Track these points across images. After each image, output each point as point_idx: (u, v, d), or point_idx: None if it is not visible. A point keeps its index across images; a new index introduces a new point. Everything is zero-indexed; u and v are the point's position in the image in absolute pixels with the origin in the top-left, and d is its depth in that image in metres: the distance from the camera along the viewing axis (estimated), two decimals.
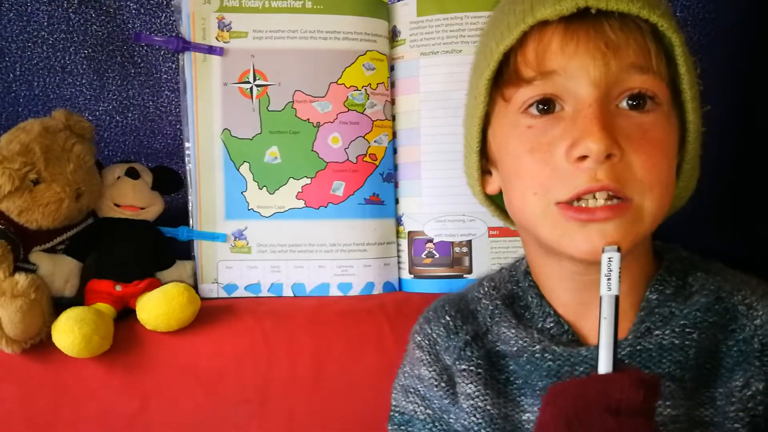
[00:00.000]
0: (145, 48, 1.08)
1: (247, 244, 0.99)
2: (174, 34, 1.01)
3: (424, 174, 1.00)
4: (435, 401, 0.70)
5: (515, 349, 0.66)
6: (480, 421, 0.65)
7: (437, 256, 1.00)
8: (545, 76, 0.60)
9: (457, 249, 0.99)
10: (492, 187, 0.71)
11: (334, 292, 0.99)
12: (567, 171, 0.58)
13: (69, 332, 0.80)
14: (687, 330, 0.61)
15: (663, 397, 0.58)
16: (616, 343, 0.52)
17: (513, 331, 0.67)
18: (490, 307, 0.70)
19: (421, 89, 1.00)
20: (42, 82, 1.07)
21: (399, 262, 1.02)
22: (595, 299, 0.61)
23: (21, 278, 0.81)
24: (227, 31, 0.98)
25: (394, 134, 1.02)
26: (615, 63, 0.58)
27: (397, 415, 0.73)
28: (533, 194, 0.61)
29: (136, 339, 0.88)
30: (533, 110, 0.61)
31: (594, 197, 0.58)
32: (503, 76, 0.63)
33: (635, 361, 0.60)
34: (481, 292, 0.72)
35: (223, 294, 0.99)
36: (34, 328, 0.81)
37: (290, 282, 0.99)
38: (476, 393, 0.66)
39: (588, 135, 0.56)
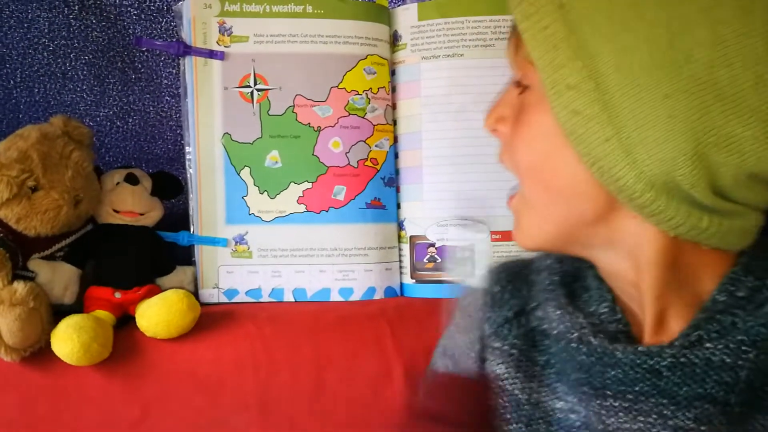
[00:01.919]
0: (146, 53, 1.08)
1: (248, 248, 0.98)
2: (175, 39, 1.01)
3: (425, 178, 0.99)
4: (463, 367, 0.70)
5: (555, 332, 0.63)
6: (506, 404, 0.64)
7: (439, 260, 0.99)
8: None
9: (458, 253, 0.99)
10: None
11: (335, 297, 0.98)
12: None
13: (68, 340, 0.80)
14: (743, 348, 0.54)
15: (698, 420, 0.53)
16: None
17: (558, 312, 0.63)
18: (546, 282, 0.67)
19: (422, 93, 0.99)
20: (43, 88, 1.07)
21: (401, 267, 1.02)
22: (641, 299, 0.58)
23: (20, 286, 0.81)
24: (228, 36, 0.98)
25: (396, 138, 1.02)
26: (514, 49, 0.60)
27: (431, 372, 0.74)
28: None
29: (135, 346, 0.87)
30: None
31: None
32: None
33: (675, 375, 0.55)
34: (546, 263, 0.68)
35: (224, 299, 0.98)
36: (33, 337, 0.81)
37: (291, 287, 0.98)
38: (505, 375, 0.65)
39: None
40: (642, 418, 0.54)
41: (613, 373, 0.57)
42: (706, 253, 0.56)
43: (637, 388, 0.55)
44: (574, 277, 0.66)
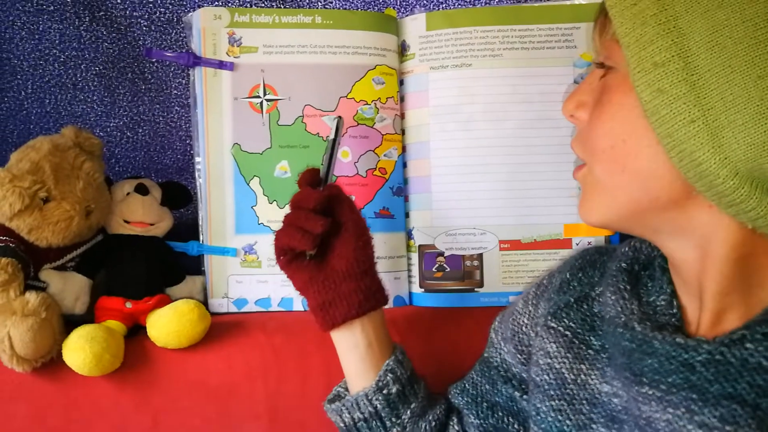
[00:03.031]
0: (156, 64, 1.08)
1: (258, 258, 0.98)
2: (184, 50, 1.02)
3: (434, 188, 0.99)
4: (507, 330, 0.76)
5: (608, 317, 0.65)
6: (552, 381, 0.66)
7: (448, 269, 0.99)
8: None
9: (468, 262, 0.99)
10: None
11: None
12: None
13: (80, 351, 0.80)
14: None
15: (724, 420, 0.52)
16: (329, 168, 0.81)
17: (614, 297, 0.65)
18: (614, 268, 0.68)
19: (430, 103, 0.99)
20: (53, 99, 1.08)
21: (409, 276, 1.02)
22: (685, 286, 0.60)
23: (32, 297, 0.81)
24: (237, 46, 0.98)
25: (404, 148, 1.02)
26: (601, 32, 0.59)
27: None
28: None
29: (146, 356, 0.88)
30: None
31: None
32: None
33: (708, 371, 0.54)
34: (623, 250, 0.70)
35: (233, 308, 0.98)
36: (45, 347, 0.81)
37: (300, 296, 0.98)
38: (555, 353, 0.67)
39: None
40: (671, 410, 0.55)
41: (649, 361, 0.57)
42: None
43: (670, 380, 0.55)
44: (645, 265, 0.67)
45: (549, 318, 0.70)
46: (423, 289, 1.00)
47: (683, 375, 0.55)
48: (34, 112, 1.08)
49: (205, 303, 0.96)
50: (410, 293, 1.02)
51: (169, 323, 0.86)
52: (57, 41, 1.06)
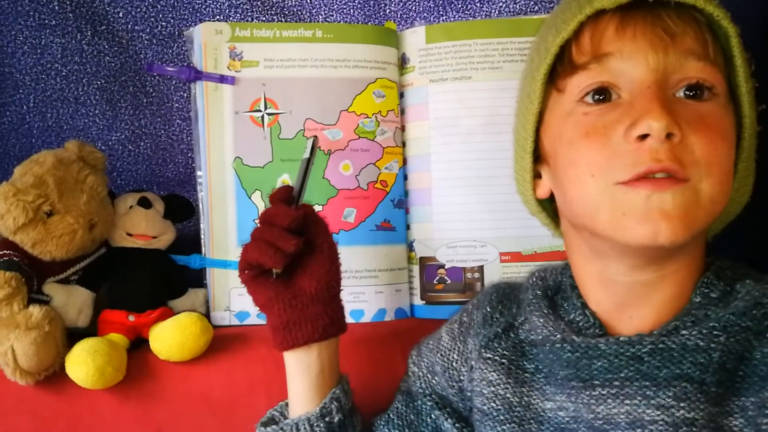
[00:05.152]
0: (157, 78, 1.09)
1: None
2: (186, 64, 1.02)
3: (434, 200, 1.00)
4: (433, 364, 0.78)
5: (540, 337, 0.68)
6: (500, 407, 0.68)
7: (449, 281, 0.99)
8: (600, 60, 0.60)
9: (468, 274, 0.99)
10: (542, 190, 0.71)
11: (346, 319, 0.98)
12: (627, 152, 0.58)
13: (83, 364, 0.81)
14: (714, 332, 0.59)
15: (677, 398, 0.58)
16: (302, 186, 0.79)
17: (542, 320, 0.68)
18: (531, 297, 0.72)
19: (431, 116, 1.00)
20: (55, 113, 1.08)
21: (411, 288, 1.02)
22: (633, 300, 0.64)
23: (35, 310, 0.82)
24: (238, 61, 0.99)
25: (405, 161, 1.03)
26: (672, 50, 0.59)
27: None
28: (591, 176, 0.60)
29: (149, 369, 0.88)
30: (589, 99, 0.62)
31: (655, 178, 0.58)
32: (556, 70, 0.64)
33: (655, 359, 0.59)
34: (531, 281, 0.74)
35: (236, 321, 0.99)
36: (48, 360, 0.82)
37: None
38: (497, 381, 0.69)
39: (649, 113, 0.57)
40: (629, 402, 0.59)
41: (599, 363, 0.61)
42: (696, 260, 0.66)
43: (622, 375, 0.60)
44: (556, 290, 0.72)
45: (483, 350, 0.72)
46: (424, 301, 1.01)
47: (633, 368, 0.60)
48: (36, 126, 1.08)
49: (207, 316, 0.96)
50: (411, 305, 1.02)
51: (172, 336, 0.86)
52: (59, 55, 1.07)
